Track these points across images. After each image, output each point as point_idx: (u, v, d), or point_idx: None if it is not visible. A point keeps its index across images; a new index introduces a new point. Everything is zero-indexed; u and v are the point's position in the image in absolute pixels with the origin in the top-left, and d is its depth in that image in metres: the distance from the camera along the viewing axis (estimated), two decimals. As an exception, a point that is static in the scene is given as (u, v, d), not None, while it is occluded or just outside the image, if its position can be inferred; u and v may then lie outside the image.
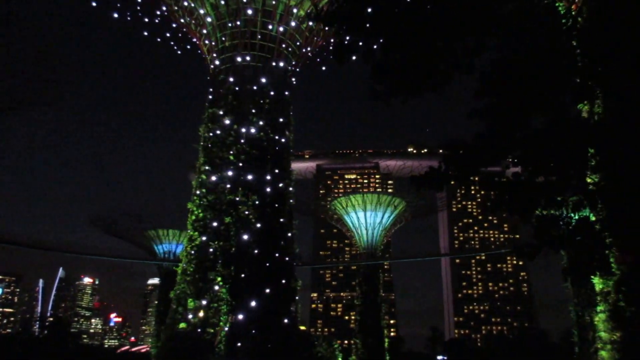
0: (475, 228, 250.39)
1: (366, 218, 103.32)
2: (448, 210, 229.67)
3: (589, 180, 12.71)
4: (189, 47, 71.41)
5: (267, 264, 54.27)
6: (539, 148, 12.17)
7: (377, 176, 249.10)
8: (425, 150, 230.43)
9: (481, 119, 11.73)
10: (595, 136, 12.26)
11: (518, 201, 12.42)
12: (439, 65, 11.63)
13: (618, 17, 11.03)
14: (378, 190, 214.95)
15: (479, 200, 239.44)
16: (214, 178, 56.13)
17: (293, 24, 61.33)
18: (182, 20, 64.85)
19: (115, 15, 63.05)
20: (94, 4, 61.35)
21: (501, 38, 12.05)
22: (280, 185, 58.74)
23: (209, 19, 60.87)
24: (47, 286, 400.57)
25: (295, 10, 60.71)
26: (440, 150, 13.26)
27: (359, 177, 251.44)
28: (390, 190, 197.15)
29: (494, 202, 12.57)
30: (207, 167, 57.19)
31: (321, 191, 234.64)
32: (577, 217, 12.87)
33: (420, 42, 11.46)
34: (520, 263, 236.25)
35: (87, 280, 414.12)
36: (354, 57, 12.65)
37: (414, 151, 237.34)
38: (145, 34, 67.42)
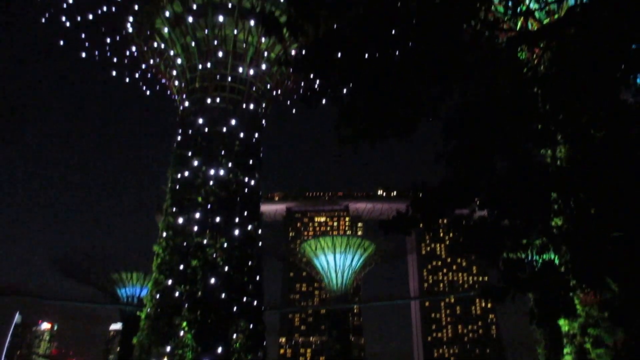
0: (445, 270, 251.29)
1: (336, 261, 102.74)
2: (417, 253, 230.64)
3: (553, 223, 12.94)
4: (158, 87, 71.35)
5: (235, 309, 53.06)
6: (503, 192, 12.39)
7: (347, 219, 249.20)
8: (395, 193, 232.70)
9: (447, 163, 11.93)
10: (557, 181, 12.55)
11: (485, 244, 12.55)
12: (405, 111, 11.86)
13: (577, 66, 11.48)
14: (348, 232, 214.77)
15: (448, 243, 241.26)
16: (181, 220, 55.15)
17: (264, 67, 62.16)
18: (151, 61, 64.94)
19: (83, 54, 62.71)
20: (61, 43, 60.89)
21: (465, 85, 12.40)
22: (249, 227, 58.10)
23: (179, 61, 61.20)
24: (0, 332, 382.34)
25: (266, 54, 61.64)
26: (410, 193, 13.38)
27: (328, 219, 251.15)
28: (360, 233, 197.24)
29: (462, 245, 12.68)
30: (174, 209, 56.24)
31: (291, 234, 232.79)
32: (542, 260, 13.04)
33: (387, 88, 11.70)
34: (489, 305, 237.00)
35: (45, 325, 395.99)
36: (323, 101, 12.83)
37: (384, 194, 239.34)
38: (114, 73, 67.27)
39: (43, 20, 57.78)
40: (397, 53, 12.24)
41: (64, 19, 58.43)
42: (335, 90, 12.07)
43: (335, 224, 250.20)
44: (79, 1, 56.14)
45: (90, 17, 58.05)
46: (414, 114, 11.92)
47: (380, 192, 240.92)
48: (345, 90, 12.34)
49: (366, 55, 12.12)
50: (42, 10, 57.20)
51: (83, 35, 60.98)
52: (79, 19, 58.51)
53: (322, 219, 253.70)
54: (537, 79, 12.70)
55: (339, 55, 12.18)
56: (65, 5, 56.64)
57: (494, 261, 12.45)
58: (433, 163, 12.64)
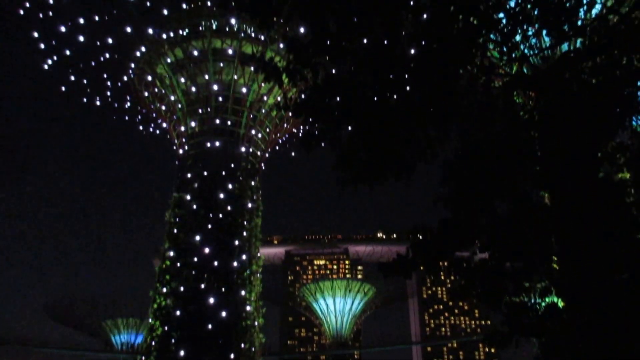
0: (446, 314, 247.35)
1: (335, 305, 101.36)
2: (418, 297, 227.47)
3: (554, 266, 12.84)
4: (158, 132, 72.06)
5: (232, 355, 51.91)
6: (504, 234, 12.35)
7: (347, 262, 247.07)
8: (394, 235, 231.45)
9: (446, 205, 11.94)
10: (556, 223, 12.54)
11: (487, 288, 12.40)
12: (403, 153, 11.95)
13: (573, 110, 11.65)
14: (347, 276, 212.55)
15: (449, 286, 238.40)
16: (179, 264, 54.66)
17: (263, 111, 62.93)
18: (152, 106, 65.80)
19: (85, 100, 63.61)
20: (63, 89, 61.79)
21: (462, 128, 12.55)
22: (248, 272, 57.54)
23: (179, 105, 62.03)
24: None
25: (265, 98, 62.54)
26: (409, 235, 13.34)
27: (328, 262, 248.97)
28: (359, 276, 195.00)
29: (464, 289, 12.53)
30: (172, 253, 55.81)
31: (290, 277, 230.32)
32: (545, 303, 12.86)
33: (385, 131, 11.83)
34: (492, 350, 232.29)
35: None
36: (322, 145, 12.95)
37: (383, 236, 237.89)
38: (114, 118, 68.14)
39: (46, 67, 58.81)
40: (394, 97, 12.46)
41: (68, 66, 59.54)
42: (333, 134, 12.20)
43: (335, 267, 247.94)
44: (81, 48, 57.30)
45: (93, 64, 59.13)
46: (412, 156, 12.01)
47: (380, 234, 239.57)
48: (343, 134, 12.50)
49: (364, 99, 12.32)
50: (45, 57, 58.26)
51: (85, 82, 61.91)
52: (81, 65, 59.64)
53: (322, 262, 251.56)
54: (533, 122, 12.86)
55: (338, 99, 12.38)
56: (68, 53, 57.77)
57: (496, 305, 12.26)
58: (432, 205, 12.65)
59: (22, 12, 53.04)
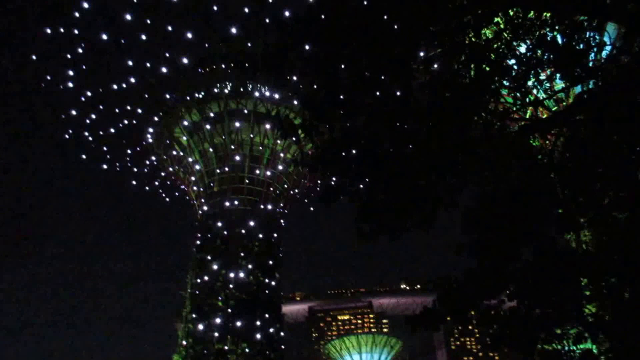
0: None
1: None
2: (447, 349, 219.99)
3: (586, 310, 12.44)
4: (177, 193, 73.07)
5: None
6: (532, 281, 12.05)
7: (371, 315, 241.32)
8: (418, 286, 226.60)
9: (470, 254, 11.75)
10: (585, 266, 12.22)
11: (518, 336, 12.01)
12: (423, 203, 11.90)
13: (591, 150, 11.58)
14: (373, 330, 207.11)
15: (478, 336, 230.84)
16: (201, 327, 53.96)
17: (280, 167, 63.58)
18: (170, 169, 66.93)
19: (105, 166, 65.13)
20: (83, 157, 63.44)
21: (480, 175, 12.51)
22: (271, 330, 56.55)
23: (197, 167, 62.98)
24: None
25: (282, 155, 63.29)
26: (433, 285, 13.08)
27: (352, 317, 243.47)
28: (385, 330, 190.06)
29: (494, 339, 12.15)
30: (194, 315, 55.24)
31: (314, 334, 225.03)
32: (580, 350, 12.39)
33: (403, 182, 11.84)
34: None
35: None
36: (340, 198, 12.96)
37: (407, 288, 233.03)
38: (134, 182, 69.40)
39: (67, 136, 60.84)
40: (410, 147, 12.53)
41: (86, 134, 61.60)
42: (352, 187, 12.24)
43: (359, 321, 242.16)
44: (101, 116, 59.26)
45: (112, 130, 60.87)
46: (432, 205, 11.95)
47: (403, 286, 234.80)
48: (362, 187, 12.52)
49: (380, 151, 12.42)
50: (66, 127, 60.36)
51: (105, 148, 63.63)
52: (100, 133, 61.43)
53: (346, 317, 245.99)
54: (552, 165, 12.78)
55: (354, 152, 12.49)
56: (88, 121, 59.80)
57: (529, 354, 11.86)
58: (455, 253, 12.46)
59: (43, 85, 55.26)
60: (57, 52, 52.44)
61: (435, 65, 12.94)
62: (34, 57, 52.65)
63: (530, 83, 13.47)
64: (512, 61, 12.76)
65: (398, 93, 13.02)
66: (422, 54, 14.14)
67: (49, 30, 49.91)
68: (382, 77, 13.15)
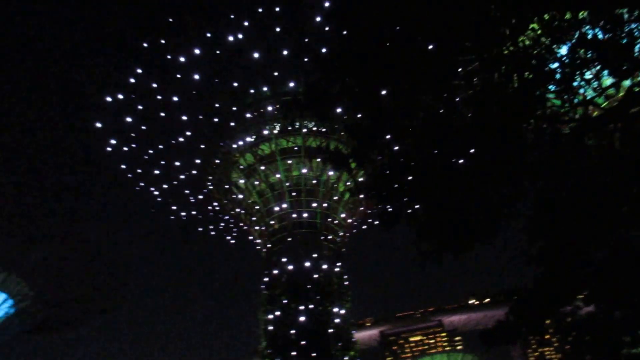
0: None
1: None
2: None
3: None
4: (240, 234, 75.32)
5: None
6: (608, 283, 11.69)
7: (443, 334, 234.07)
8: (488, 300, 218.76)
9: (539, 263, 11.53)
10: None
11: (600, 342, 11.61)
12: (482, 217, 11.84)
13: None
14: (447, 348, 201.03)
15: (557, 345, 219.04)
16: (279, 361, 54.47)
17: (336, 198, 63.99)
18: (232, 212, 68.97)
19: (172, 217, 68.34)
20: (152, 211, 66.93)
21: (538, 181, 12.33)
22: (345, 358, 56.22)
23: (257, 207, 64.44)
24: None
25: (335, 186, 63.77)
26: (503, 298, 12.88)
27: (424, 337, 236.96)
28: (459, 347, 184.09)
29: (575, 346, 11.79)
30: (270, 350, 55.82)
31: (388, 358, 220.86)
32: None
33: (459, 199, 11.84)
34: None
35: None
36: (399, 221, 13.05)
37: (477, 302, 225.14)
38: (200, 229, 72.36)
39: (137, 188, 64.95)
40: (461, 163, 12.54)
41: (152, 189, 65.35)
42: (408, 210, 12.35)
43: (432, 341, 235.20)
44: (164, 171, 62.72)
45: (175, 182, 64.05)
46: (491, 218, 11.86)
47: (472, 301, 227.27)
48: (418, 206, 12.60)
49: (432, 171, 12.50)
50: (133, 183, 64.24)
51: (170, 200, 66.89)
52: (165, 186, 64.75)
53: (418, 338, 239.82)
54: (614, 162, 12.48)
55: (406, 175, 12.62)
56: (152, 177, 63.54)
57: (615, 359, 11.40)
58: (523, 263, 12.25)
59: (109, 149, 58.84)
60: (117, 117, 56.07)
61: (476, 79, 12.98)
62: (98, 125, 56.43)
63: (576, 83, 13.28)
64: (555, 65, 12.66)
65: (441, 111, 13.13)
66: (460, 69, 14.25)
67: (109, 99, 53.54)
68: (424, 98, 13.32)
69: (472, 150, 12.62)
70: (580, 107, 14.05)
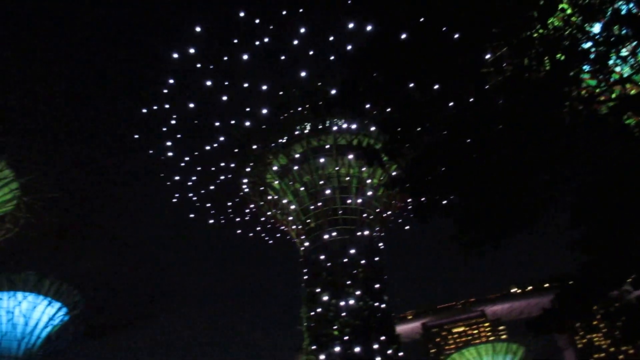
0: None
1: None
2: (573, 348, 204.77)
3: None
4: (278, 235, 76.29)
5: None
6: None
7: (486, 324, 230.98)
8: (531, 287, 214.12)
9: (585, 250, 11.27)
10: None
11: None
12: (521, 205, 11.64)
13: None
14: (491, 338, 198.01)
15: (606, 331, 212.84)
16: (322, 357, 54.73)
17: (369, 193, 63.91)
18: (268, 213, 69.83)
19: (211, 221, 69.70)
20: (191, 215, 68.69)
21: (578, 164, 12.06)
22: (389, 352, 56.15)
23: (292, 206, 64.98)
24: None
25: (369, 181, 63.67)
26: (546, 285, 12.66)
27: (467, 328, 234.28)
28: (503, 337, 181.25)
29: (625, 331, 11.51)
30: (314, 347, 56.23)
31: (432, 350, 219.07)
32: None
33: (497, 188, 11.68)
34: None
35: None
36: (436, 213, 12.94)
37: (519, 291, 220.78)
38: (239, 232, 73.79)
39: (174, 200, 66.63)
40: (496, 150, 12.36)
41: (190, 194, 66.99)
42: (444, 201, 12.24)
43: (475, 331, 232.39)
44: (200, 177, 64.34)
45: (212, 187, 65.50)
46: (531, 205, 11.66)
47: (514, 289, 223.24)
48: (454, 197, 12.47)
49: (466, 162, 12.35)
50: (172, 191, 66.16)
51: (208, 205, 68.48)
52: (202, 192, 66.19)
53: (460, 329, 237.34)
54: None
55: (440, 167, 12.51)
56: (190, 183, 65.25)
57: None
58: (567, 249, 12.01)
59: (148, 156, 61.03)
60: (155, 127, 57.87)
61: (505, 65, 12.78)
62: (136, 136, 58.30)
63: (611, 62, 12.94)
64: (588, 44, 12.36)
65: (471, 100, 12.97)
66: (489, 56, 14.04)
67: (144, 110, 55.20)
68: (454, 88, 13.18)
69: (506, 138, 12.42)
70: (617, 86, 13.66)
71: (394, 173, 59.93)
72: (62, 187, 61.87)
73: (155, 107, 55.63)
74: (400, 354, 58.83)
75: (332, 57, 52.24)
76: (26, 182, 59.40)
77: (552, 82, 11.67)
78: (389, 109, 14.46)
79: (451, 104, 13.59)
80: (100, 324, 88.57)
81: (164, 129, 58.04)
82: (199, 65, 53.17)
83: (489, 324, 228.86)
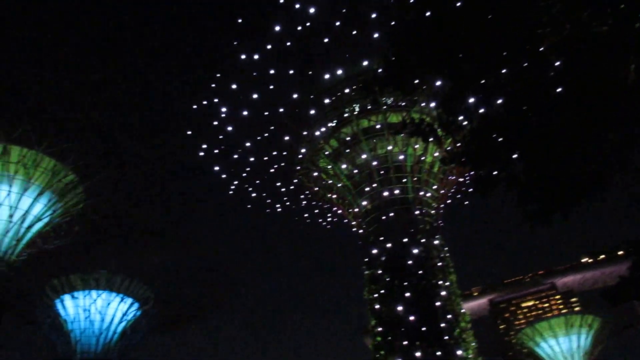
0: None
1: (560, 345, 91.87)
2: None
3: None
4: (336, 219, 76.71)
5: None
6: None
7: (557, 297, 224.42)
8: (603, 256, 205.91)
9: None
10: None
11: None
12: (589, 171, 11.06)
13: None
14: (563, 311, 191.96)
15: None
16: (389, 337, 54.83)
17: (425, 171, 62.98)
18: (324, 198, 70.36)
19: (268, 210, 71.22)
20: (248, 207, 70.26)
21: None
22: (457, 330, 55.53)
23: (347, 190, 65.00)
24: None
25: (423, 159, 62.67)
26: (620, 252, 12.02)
27: (537, 302, 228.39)
28: (577, 309, 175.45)
29: None
30: (379, 329, 56.36)
31: (501, 326, 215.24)
32: None
33: (562, 153, 11.12)
34: None
35: None
36: (497, 186, 12.47)
37: (590, 260, 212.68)
38: (295, 218, 74.82)
39: (231, 192, 68.20)
40: (558, 114, 11.77)
41: (246, 186, 68.74)
42: (505, 173, 11.77)
43: (546, 305, 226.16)
44: (254, 168, 65.52)
45: (266, 177, 66.58)
46: (601, 170, 11.05)
47: (585, 259, 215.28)
48: (516, 167, 11.97)
49: (527, 129, 11.82)
50: (228, 184, 67.76)
51: (264, 194, 69.89)
52: (257, 182, 67.38)
53: (530, 304, 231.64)
54: None
55: (499, 136, 12.03)
56: (244, 175, 66.94)
57: None
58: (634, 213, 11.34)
59: (201, 153, 62.39)
60: (209, 123, 59.30)
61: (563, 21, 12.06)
62: (188, 132, 59.94)
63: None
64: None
65: (526, 64, 12.36)
66: (543, 15, 13.29)
67: (195, 106, 56.76)
68: (507, 53, 12.61)
69: (568, 101, 11.78)
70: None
71: (448, 148, 58.77)
72: (124, 187, 64.45)
73: (204, 102, 56.86)
74: (469, 331, 58.17)
75: (375, 35, 51.49)
76: (90, 186, 62.08)
77: (616, 37, 10.94)
78: (439, 82, 14.05)
79: (504, 70, 13.02)
80: (170, 318, 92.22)
81: (215, 123, 59.20)
82: (243, 57, 53.72)
83: (560, 297, 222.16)
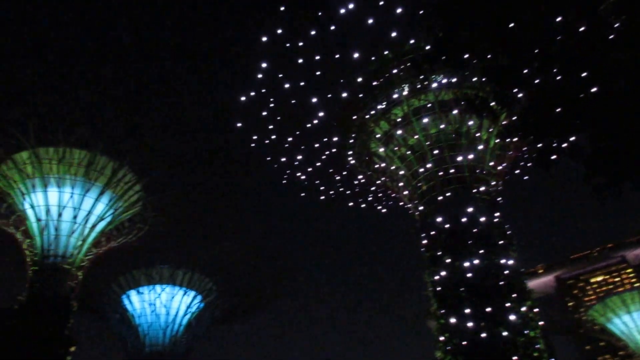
0: None
1: (636, 321, 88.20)
2: None
3: None
4: (391, 202, 76.08)
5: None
6: None
7: (629, 270, 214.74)
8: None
9: None
10: None
11: None
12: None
13: None
14: (636, 285, 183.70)
15: None
16: (453, 320, 54.07)
17: (480, 147, 61.37)
18: (378, 182, 69.78)
19: (322, 197, 71.36)
20: (302, 195, 70.79)
21: None
22: (523, 309, 54.11)
23: (401, 172, 64.27)
24: None
25: (477, 135, 61.09)
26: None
27: (607, 277, 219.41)
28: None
29: None
30: (442, 311, 55.71)
31: (569, 304, 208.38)
32: None
33: (628, 121, 10.54)
34: None
35: None
36: (560, 158, 12.02)
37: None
38: (350, 204, 74.65)
39: (284, 181, 68.94)
40: (616, 79, 11.19)
41: (298, 174, 69.16)
42: (569, 144, 11.32)
43: (617, 279, 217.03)
44: (305, 155, 65.93)
45: (318, 164, 66.67)
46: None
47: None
48: (577, 138, 11.50)
49: (588, 96, 11.30)
50: (280, 174, 68.43)
51: (317, 182, 70.43)
52: (309, 169, 67.62)
53: (599, 279, 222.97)
54: None
55: (559, 107, 11.55)
56: (296, 163, 67.33)
57: None
58: None
59: (252, 145, 63.39)
60: (257, 113, 60.03)
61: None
62: (238, 125, 60.84)
63: None
64: None
65: (582, 29, 11.77)
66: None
67: (243, 98, 57.44)
68: (563, 17, 12.06)
69: (627, 64, 11.16)
70: None
71: (504, 122, 57.01)
72: (181, 182, 66.39)
73: (252, 93, 57.42)
74: (536, 310, 56.63)
75: (422, 12, 50.40)
76: (148, 183, 64.23)
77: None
78: (490, 55, 13.57)
79: (559, 37, 12.46)
80: (233, 308, 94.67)
81: (264, 113, 59.75)
82: (287, 45, 53.82)
83: (632, 270, 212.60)
